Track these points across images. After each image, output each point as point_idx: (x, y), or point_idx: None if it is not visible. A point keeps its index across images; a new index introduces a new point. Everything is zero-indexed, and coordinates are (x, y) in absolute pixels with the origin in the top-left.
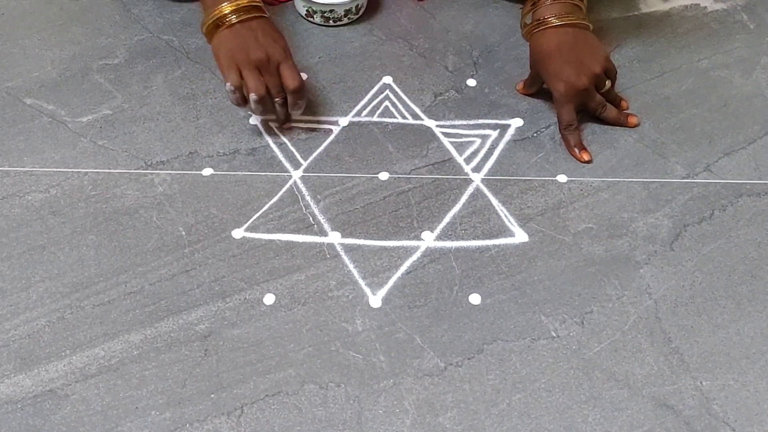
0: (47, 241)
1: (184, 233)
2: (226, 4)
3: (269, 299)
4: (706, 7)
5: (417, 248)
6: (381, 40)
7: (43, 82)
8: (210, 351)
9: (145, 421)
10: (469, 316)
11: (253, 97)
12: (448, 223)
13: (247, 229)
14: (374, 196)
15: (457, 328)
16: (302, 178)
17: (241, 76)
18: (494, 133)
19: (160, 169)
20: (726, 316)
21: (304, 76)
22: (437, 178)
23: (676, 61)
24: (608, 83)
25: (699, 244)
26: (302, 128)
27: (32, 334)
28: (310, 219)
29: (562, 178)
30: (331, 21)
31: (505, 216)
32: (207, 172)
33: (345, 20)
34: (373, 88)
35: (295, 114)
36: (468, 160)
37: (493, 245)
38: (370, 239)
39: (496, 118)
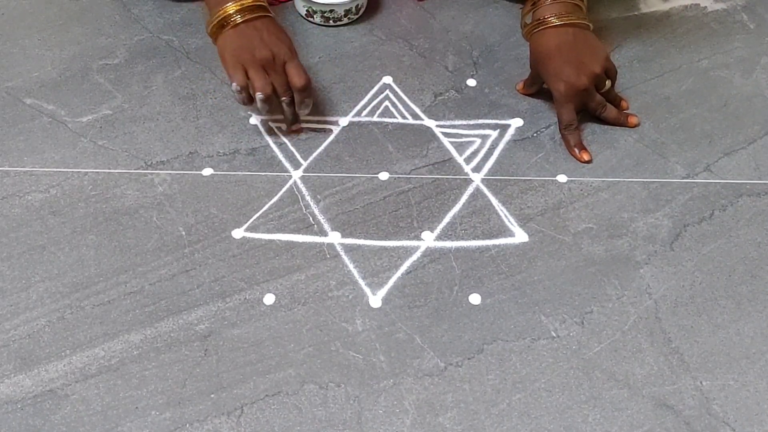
0: (47, 241)
1: (184, 233)
2: (230, 4)
3: (269, 299)
4: (706, 7)
5: (417, 248)
6: (381, 40)
7: (43, 82)
8: (210, 351)
9: (145, 421)
10: (469, 316)
11: (259, 96)
12: (448, 223)
13: (247, 229)
14: (374, 196)
15: (457, 328)
16: (302, 178)
17: (247, 76)
18: (494, 133)
19: (160, 169)
20: (726, 316)
21: None
22: (437, 178)
23: (676, 61)
24: (608, 83)
25: (699, 244)
26: (302, 128)
27: (32, 334)
28: (310, 219)
29: (562, 178)
30: (331, 21)
31: (505, 216)
32: (207, 172)
33: (345, 20)
34: (373, 88)
35: (303, 113)
36: (468, 160)
37: (493, 245)
38: (370, 239)
39: (496, 118)
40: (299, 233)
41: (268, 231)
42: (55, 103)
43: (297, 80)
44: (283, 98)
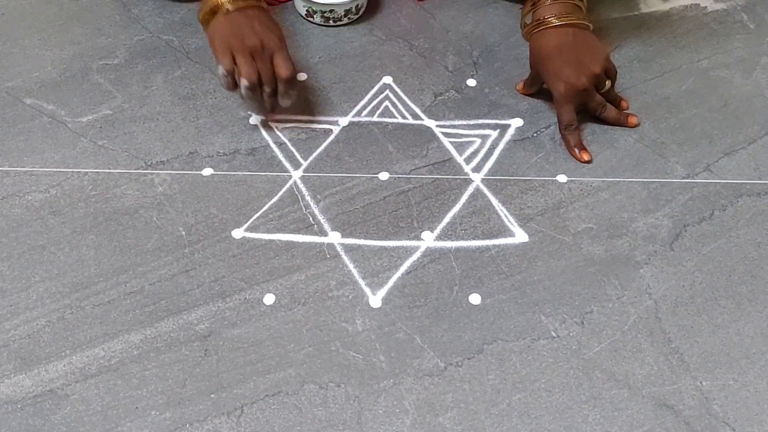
0: (47, 241)
1: (184, 233)
2: None
3: (269, 299)
4: (706, 7)
5: (417, 248)
6: (381, 40)
7: (43, 82)
8: (210, 351)
9: (145, 421)
10: (469, 316)
11: (244, 83)
12: (448, 223)
13: (247, 229)
14: (374, 196)
15: (457, 328)
16: (302, 178)
17: (235, 63)
18: (494, 133)
19: (160, 169)
20: (726, 316)
21: (303, 75)
22: (437, 178)
23: (676, 61)
24: (608, 83)
25: (699, 244)
26: (302, 128)
27: (32, 334)
28: (310, 219)
29: (562, 178)
30: (331, 21)
31: (505, 216)
32: (207, 172)
33: (345, 20)
34: (373, 88)
35: (285, 104)
36: (468, 160)
37: (493, 245)
38: (370, 239)
39: (496, 118)
40: (299, 233)
41: (268, 231)
42: (55, 103)
43: (283, 71)
44: (266, 88)
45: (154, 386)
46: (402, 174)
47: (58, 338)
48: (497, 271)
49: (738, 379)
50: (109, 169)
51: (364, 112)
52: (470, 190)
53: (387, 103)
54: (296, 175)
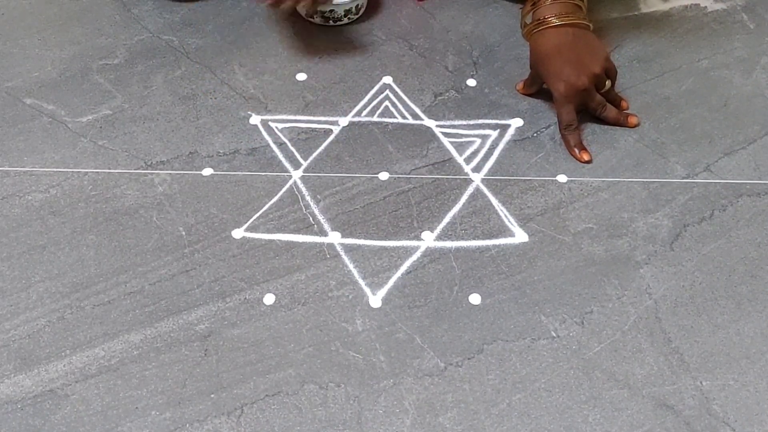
0: (47, 241)
1: (184, 233)
2: None
3: (269, 299)
4: (706, 7)
5: (417, 248)
6: (381, 40)
7: (43, 82)
8: (210, 351)
9: (145, 421)
10: (469, 316)
11: None
12: (448, 223)
13: (247, 229)
14: (374, 196)
15: (457, 328)
16: (302, 178)
17: None
18: (494, 133)
19: (160, 169)
20: (726, 316)
21: (303, 76)
22: (437, 178)
23: (676, 61)
24: (608, 83)
25: (699, 244)
26: (302, 128)
27: (32, 334)
28: (310, 219)
29: (562, 178)
30: (331, 21)
31: (505, 216)
32: (207, 172)
33: (345, 20)
34: (373, 88)
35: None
36: (468, 160)
37: (493, 245)
38: (370, 239)
39: (496, 118)
40: (299, 233)
41: (268, 231)
42: (55, 103)
43: None
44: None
45: (154, 386)
46: (402, 174)
47: (58, 338)
48: (497, 271)
49: (738, 379)
50: (109, 169)
51: (364, 112)
52: (470, 190)
53: (387, 103)
54: (296, 175)
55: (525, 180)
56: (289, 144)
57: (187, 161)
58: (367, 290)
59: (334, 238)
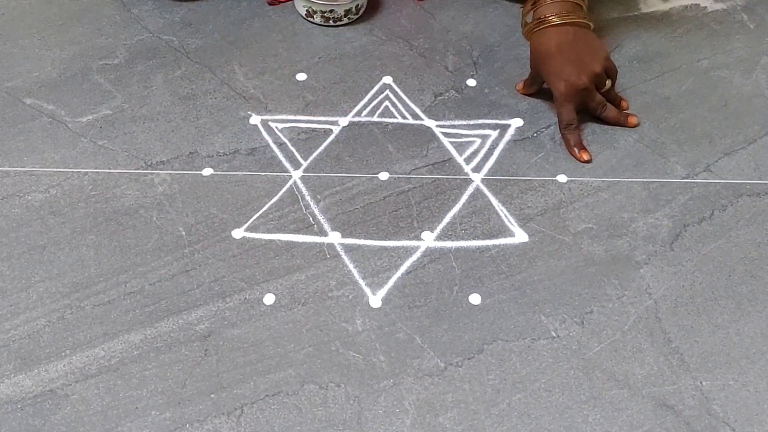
0: (47, 241)
1: (184, 233)
2: None
3: (269, 299)
4: (706, 7)
5: (417, 248)
6: (381, 40)
7: (43, 82)
8: (210, 351)
9: (145, 421)
10: (469, 316)
11: None
12: (448, 223)
13: (247, 229)
14: (374, 196)
15: (457, 328)
16: (302, 178)
17: None
18: (494, 133)
19: (160, 169)
20: (726, 316)
21: (303, 76)
22: (437, 178)
23: (676, 61)
24: (609, 83)
25: (699, 244)
26: (302, 128)
27: (32, 334)
28: (310, 219)
29: (562, 178)
30: (331, 21)
31: (505, 216)
32: (207, 172)
33: (345, 20)
34: (373, 88)
35: None
36: (468, 160)
37: (493, 245)
38: (370, 239)
39: (496, 118)
40: (299, 233)
41: (268, 231)
42: (55, 103)
43: None
44: None
45: (154, 386)
46: (402, 174)
47: (58, 338)
48: (497, 271)
49: (738, 379)
50: (109, 169)
51: (364, 112)
52: (470, 190)
53: (387, 103)
54: (296, 175)
55: (525, 180)
56: (289, 144)
57: (187, 161)
58: (367, 290)
59: (334, 238)
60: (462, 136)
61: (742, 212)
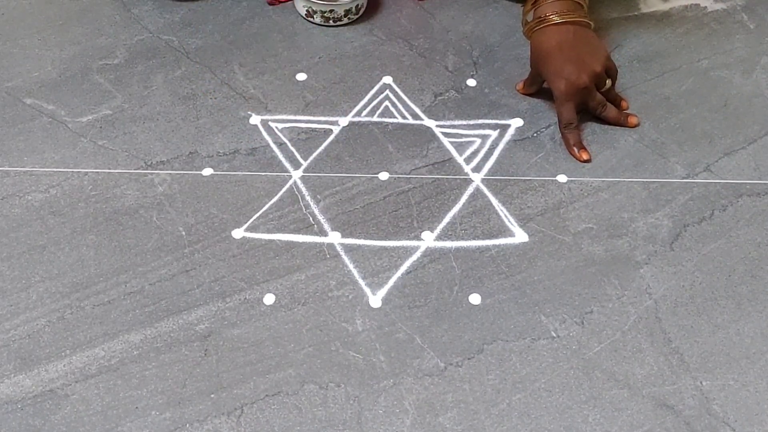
0: (47, 241)
1: (184, 233)
2: None
3: (269, 299)
4: (706, 7)
5: (417, 248)
6: (381, 40)
7: (43, 82)
8: (210, 351)
9: (145, 421)
10: (469, 316)
11: None
12: (448, 223)
13: (247, 229)
14: (374, 196)
15: (457, 328)
16: (302, 178)
17: None
18: (494, 133)
19: (160, 169)
20: (726, 316)
21: (303, 76)
22: (437, 178)
23: (676, 61)
24: (609, 82)
25: (699, 244)
26: (302, 128)
27: (32, 334)
28: (310, 219)
29: (562, 178)
30: (331, 21)
31: (505, 216)
32: (207, 172)
33: (345, 20)
34: (373, 88)
35: None
36: (468, 160)
37: (493, 245)
38: (370, 239)
39: (496, 118)
40: (299, 233)
41: (268, 231)
42: (55, 103)
43: None
44: None
45: (154, 386)
46: (402, 174)
47: (58, 338)
48: (497, 271)
49: (738, 379)
50: (109, 169)
51: (364, 112)
52: (470, 190)
53: (387, 103)
54: (296, 175)
55: (525, 180)
56: (289, 144)
57: (187, 161)
58: (367, 290)
59: (334, 238)
60: (462, 136)
61: (742, 212)
